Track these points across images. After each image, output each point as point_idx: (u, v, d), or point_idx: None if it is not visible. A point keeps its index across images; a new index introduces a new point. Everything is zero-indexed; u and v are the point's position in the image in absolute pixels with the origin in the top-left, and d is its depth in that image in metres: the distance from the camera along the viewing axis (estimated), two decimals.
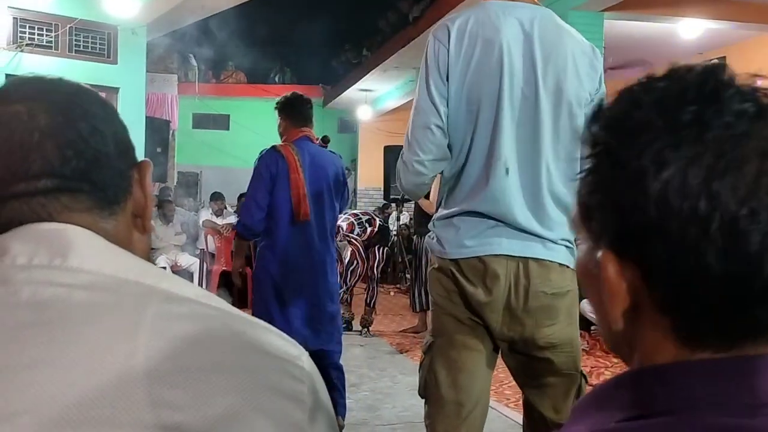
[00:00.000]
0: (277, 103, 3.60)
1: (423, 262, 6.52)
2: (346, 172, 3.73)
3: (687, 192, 0.50)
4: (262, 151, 3.50)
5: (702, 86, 0.53)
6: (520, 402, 4.63)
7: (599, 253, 0.56)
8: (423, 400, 1.97)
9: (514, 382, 5.66)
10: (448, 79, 1.80)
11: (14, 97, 0.68)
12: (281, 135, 3.58)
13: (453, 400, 1.88)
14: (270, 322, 0.65)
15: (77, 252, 0.62)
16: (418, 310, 6.72)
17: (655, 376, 0.53)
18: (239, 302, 8.15)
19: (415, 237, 6.76)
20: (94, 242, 0.64)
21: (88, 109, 0.69)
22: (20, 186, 0.65)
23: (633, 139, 0.53)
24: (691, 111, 0.52)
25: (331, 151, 3.67)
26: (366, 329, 6.72)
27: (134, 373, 0.55)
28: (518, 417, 4.15)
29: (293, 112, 3.53)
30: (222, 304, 0.64)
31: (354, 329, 6.84)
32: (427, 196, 6.39)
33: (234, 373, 0.58)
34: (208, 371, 0.57)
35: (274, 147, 3.46)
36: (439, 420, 1.90)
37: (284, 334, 0.65)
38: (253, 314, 3.43)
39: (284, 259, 3.42)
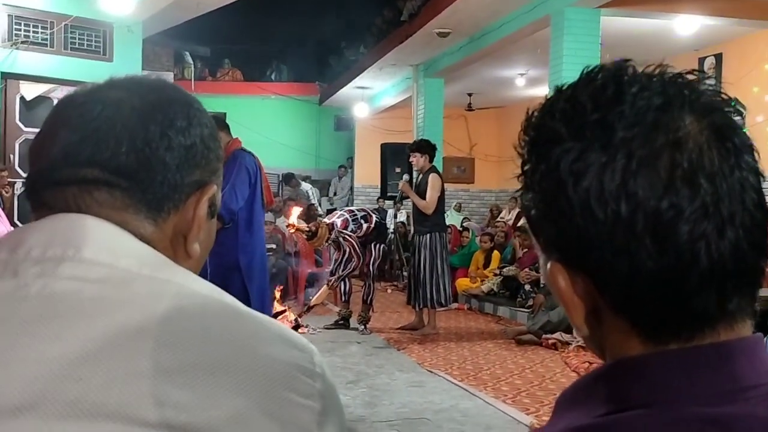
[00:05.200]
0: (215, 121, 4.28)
1: (421, 260, 6.52)
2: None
3: (606, 198, 0.51)
4: (234, 151, 4.08)
5: (603, 90, 0.53)
6: (517, 398, 4.67)
7: (549, 265, 0.56)
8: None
9: (511, 379, 5.69)
10: None
11: (118, 86, 0.70)
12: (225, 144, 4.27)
13: None
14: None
15: (92, 243, 0.61)
16: (418, 308, 6.71)
17: (630, 369, 0.53)
18: None
19: (414, 235, 6.77)
20: (110, 234, 0.63)
21: (170, 116, 0.69)
22: (64, 172, 0.65)
23: (548, 151, 0.54)
24: (595, 118, 0.52)
25: None
26: (363, 326, 6.72)
27: (141, 371, 0.54)
28: (516, 413, 4.16)
29: (226, 126, 4.19)
30: (235, 302, 0.63)
31: (351, 326, 6.85)
32: (423, 197, 6.48)
33: (243, 374, 0.57)
34: (217, 371, 0.56)
35: (244, 149, 4.13)
36: None
37: (296, 333, 0.65)
38: (255, 299, 3.48)
39: (262, 243, 4.24)
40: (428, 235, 6.50)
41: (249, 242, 4.08)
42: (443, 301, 6.67)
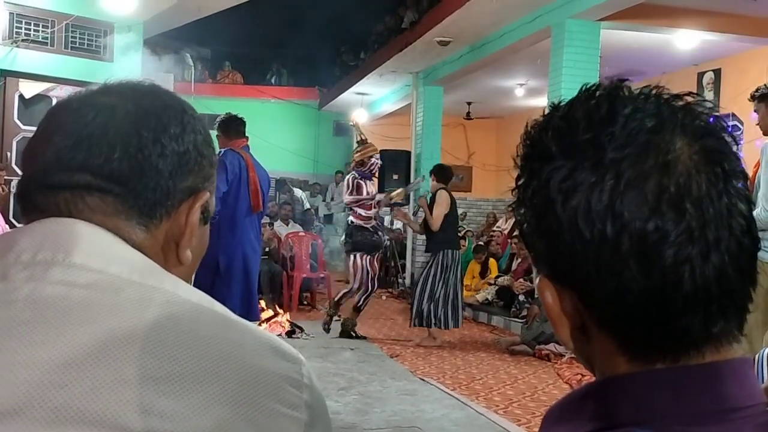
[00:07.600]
0: (218, 123, 4.39)
1: (429, 278, 6.33)
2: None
3: (593, 217, 0.51)
4: (220, 151, 4.12)
5: (596, 110, 0.54)
6: (509, 408, 4.65)
7: (537, 280, 0.57)
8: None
9: (503, 390, 5.67)
10: None
11: (112, 91, 0.70)
12: (221, 146, 4.31)
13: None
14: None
15: (83, 248, 0.61)
16: (424, 326, 6.48)
17: (618, 387, 0.53)
18: None
19: (426, 252, 6.68)
20: (101, 239, 0.63)
21: (163, 122, 0.68)
22: (56, 177, 0.65)
23: (539, 168, 0.54)
24: (586, 138, 0.53)
25: None
26: (352, 330, 6.66)
27: (127, 378, 0.54)
28: (507, 424, 4.15)
29: (239, 128, 4.36)
30: (225, 311, 0.63)
31: (332, 322, 6.76)
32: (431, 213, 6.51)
33: (230, 384, 0.57)
34: (203, 381, 0.56)
35: (231, 149, 4.17)
36: None
37: (285, 343, 0.64)
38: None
39: (246, 245, 4.17)
40: (440, 254, 6.42)
41: (230, 243, 4.05)
42: (457, 323, 6.50)
